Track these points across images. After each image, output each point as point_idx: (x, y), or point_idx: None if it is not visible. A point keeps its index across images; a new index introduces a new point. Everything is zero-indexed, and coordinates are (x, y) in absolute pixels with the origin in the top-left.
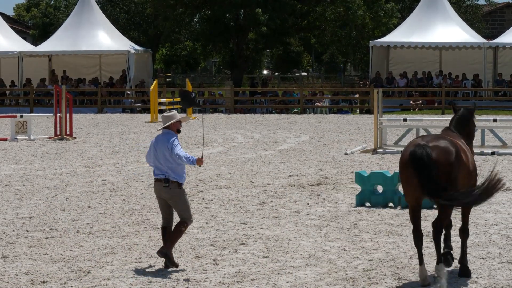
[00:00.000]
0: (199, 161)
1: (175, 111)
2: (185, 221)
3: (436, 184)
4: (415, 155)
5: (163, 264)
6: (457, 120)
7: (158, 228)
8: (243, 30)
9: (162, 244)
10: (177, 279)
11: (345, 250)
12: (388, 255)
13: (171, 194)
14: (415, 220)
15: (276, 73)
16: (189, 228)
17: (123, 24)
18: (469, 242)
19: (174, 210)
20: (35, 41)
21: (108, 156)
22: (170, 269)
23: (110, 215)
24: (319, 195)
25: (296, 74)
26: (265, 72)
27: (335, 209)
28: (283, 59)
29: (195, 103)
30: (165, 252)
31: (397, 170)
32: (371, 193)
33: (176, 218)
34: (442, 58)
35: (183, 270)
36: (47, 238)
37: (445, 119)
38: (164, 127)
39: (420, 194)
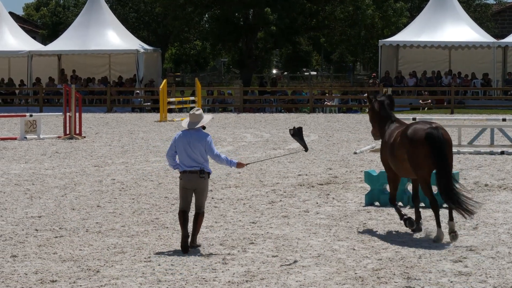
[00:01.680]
0: (240, 165)
1: (200, 109)
2: (202, 211)
3: (447, 160)
4: (433, 135)
5: (188, 246)
6: (392, 111)
7: (167, 228)
8: (252, 30)
9: (180, 229)
10: (186, 278)
11: (354, 249)
12: (398, 254)
13: (204, 183)
14: (431, 189)
15: (285, 73)
16: None
17: (133, 23)
18: (478, 241)
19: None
20: (45, 41)
21: (117, 156)
22: (179, 269)
23: (120, 214)
24: (328, 194)
25: (305, 73)
26: (274, 71)
27: (344, 209)
28: (292, 59)
29: (303, 143)
30: (196, 246)
31: None
32: (380, 193)
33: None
34: (452, 58)
35: (192, 269)
36: (56, 237)
37: (454, 118)
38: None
39: (433, 168)
